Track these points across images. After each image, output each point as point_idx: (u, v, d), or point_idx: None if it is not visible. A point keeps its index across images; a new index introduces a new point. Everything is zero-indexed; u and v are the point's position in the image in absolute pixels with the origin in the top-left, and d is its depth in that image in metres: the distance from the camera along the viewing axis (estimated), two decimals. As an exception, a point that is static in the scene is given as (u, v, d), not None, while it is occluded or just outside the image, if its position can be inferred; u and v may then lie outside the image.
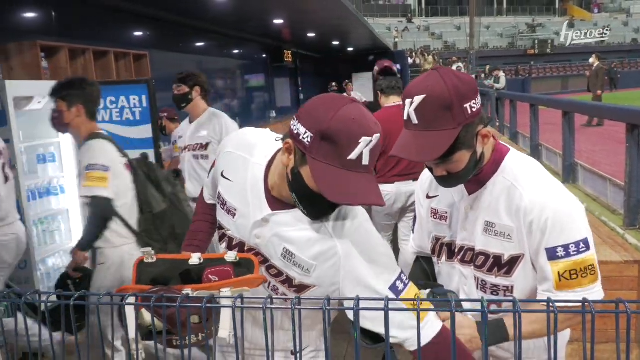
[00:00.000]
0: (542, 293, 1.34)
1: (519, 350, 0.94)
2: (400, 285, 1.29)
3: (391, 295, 1.25)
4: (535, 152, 8.36)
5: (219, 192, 1.45)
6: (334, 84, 8.89)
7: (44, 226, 4.10)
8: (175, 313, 1.00)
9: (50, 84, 4.10)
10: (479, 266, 1.45)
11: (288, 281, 1.35)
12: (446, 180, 1.40)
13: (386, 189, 3.73)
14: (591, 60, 13.36)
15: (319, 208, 1.25)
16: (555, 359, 0.91)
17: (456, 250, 1.50)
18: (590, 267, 1.33)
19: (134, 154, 4.04)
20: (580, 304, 0.92)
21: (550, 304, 0.87)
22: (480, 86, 16.35)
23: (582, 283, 1.32)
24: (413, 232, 1.73)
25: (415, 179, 2.56)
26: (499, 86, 16.49)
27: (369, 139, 1.16)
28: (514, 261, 1.39)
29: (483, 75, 22.32)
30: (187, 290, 1.20)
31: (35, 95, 3.93)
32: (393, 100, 3.83)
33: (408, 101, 1.30)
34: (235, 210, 1.39)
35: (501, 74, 19.54)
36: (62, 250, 4.24)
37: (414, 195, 3.88)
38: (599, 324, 2.83)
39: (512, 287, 1.42)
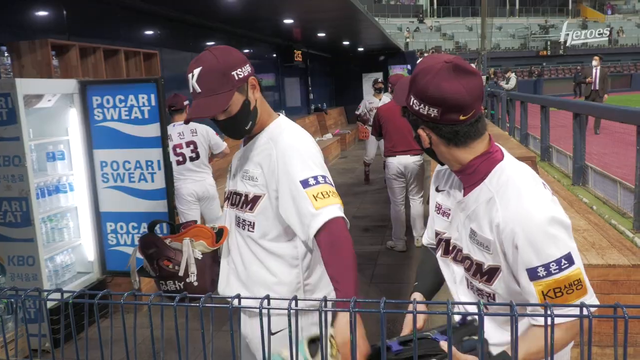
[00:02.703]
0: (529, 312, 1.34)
1: (515, 353, 0.93)
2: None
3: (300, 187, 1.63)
4: (545, 154, 8.30)
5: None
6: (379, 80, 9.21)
7: (53, 223, 4.13)
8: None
9: (60, 82, 4.15)
10: (466, 269, 1.46)
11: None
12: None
13: (391, 161, 5.61)
14: (594, 62, 12.67)
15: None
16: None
17: (450, 248, 1.52)
18: (575, 283, 1.27)
19: (141, 152, 4.09)
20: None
21: (548, 309, 0.86)
22: (491, 87, 16.17)
23: (568, 299, 1.26)
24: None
25: (414, 154, 5.16)
26: (508, 86, 16.38)
27: (190, 74, 1.69)
28: (492, 272, 1.37)
29: (493, 76, 22.17)
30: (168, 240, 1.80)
31: (45, 93, 3.97)
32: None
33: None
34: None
35: (512, 75, 19.42)
36: (70, 247, 4.27)
37: (410, 164, 5.28)
38: (605, 328, 2.81)
39: (493, 294, 1.40)
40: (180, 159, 4.78)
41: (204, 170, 4.90)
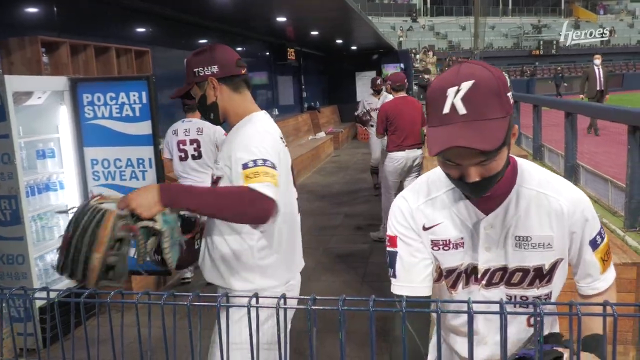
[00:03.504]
0: (588, 285, 1.40)
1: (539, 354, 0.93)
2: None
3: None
4: (537, 152, 8.33)
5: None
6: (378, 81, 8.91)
7: (43, 222, 4.10)
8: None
9: (50, 79, 4.12)
10: (516, 283, 1.38)
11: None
12: (478, 187, 1.24)
13: (399, 155, 5.74)
14: (597, 61, 12.05)
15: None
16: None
17: (479, 275, 1.39)
18: (609, 245, 1.42)
19: (133, 150, 4.06)
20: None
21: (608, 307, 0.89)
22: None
23: (611, 257, 1.42)
24: (394, 277, 1.42)
25: (419, 147, 5.08)
26: None
27: (455, 88, 1.15)
28: (554, 267, 1.38)
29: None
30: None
31: (35, 91, 3.93)
32: (400, 94, 5.94)
33: (452, 90, 1.15)
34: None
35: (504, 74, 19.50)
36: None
37: (418, 158, 5.45)
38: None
39: (550, 292, 1.41)
40: (183, 155, 4.72)
41: (206, 171, 4.82)
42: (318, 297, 0.99)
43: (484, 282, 1.39)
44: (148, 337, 1.10)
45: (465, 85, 1.14)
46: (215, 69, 1.98)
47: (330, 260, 5.63)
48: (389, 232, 1.43)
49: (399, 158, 5.79)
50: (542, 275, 1.36)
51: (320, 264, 5.50)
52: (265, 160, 1.82)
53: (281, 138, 2.05)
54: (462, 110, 1.14)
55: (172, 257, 1.71)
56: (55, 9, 5.19)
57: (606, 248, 1.39)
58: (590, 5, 46.67)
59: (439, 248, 1.39)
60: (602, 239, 1.37)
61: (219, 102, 2.02)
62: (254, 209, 1.76)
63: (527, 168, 1.37)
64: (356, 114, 8.69)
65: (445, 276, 1.42)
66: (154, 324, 1.07)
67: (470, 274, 1.40)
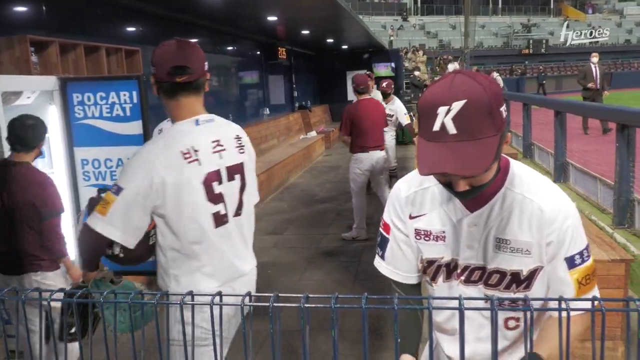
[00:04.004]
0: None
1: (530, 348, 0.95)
2: None
3: None
4: (527, 151, 8.39)
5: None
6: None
7: (33, 222, 4.06)
8: None
9: (39, 79, 4.08)
10: (493, 285, 1.38)
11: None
12: (467, 194, 1.27)
13: (363, 156, 6.03)
14: (594, 59, 11.82)
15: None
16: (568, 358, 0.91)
17: (459, 270, 1.41)
18: (595, 269, 1.36)
19: (123, 150, 4.04)
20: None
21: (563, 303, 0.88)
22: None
23: (593, 285, 1.35)
24: (382, 258, 1.54)
25: (381, 149, 5.81)
26: None
27: (445, 108, 1.13)
28: (532, 275, 1.35)
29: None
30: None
31: (24, 90, 3.90)
32: (364, 97, 6.12)
33: (442, 109, 1.13)
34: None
35: (496, 76, 19.56)
36: (51, 246, 4.21)
37: (381, 159, 5.72)
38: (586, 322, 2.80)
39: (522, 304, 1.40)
40: None
41: None
42: (311, 296, 1.00)
43: (462, 278, 1.41)
44: (142, 337, 1.11)
45: (457, 106, 1.13)
46: (153, 69, 1.94)
47: (322, 259, 5.63)
48: (385, 218, 1.51)
49: (363, 159, 6.06)
50: (519, 280, 1.35)
51: (312, 263, 5.51)
52: (117, 187, 1.86)
53: (212, 149, 1.98)
54: (452, 130, 1.13)
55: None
56: (44, 8, 5.15)
57: (587, 272, 1.32)
58: (579, 4, 46.99)
59: (421, 237, 1.44)
60: (584, 261, 1.32)
61: (163, 103, 2.01)
62: (83, 245, 1.94)
63: (518, 171, 1.36)
64: None
65: (427, 267, 1.45)
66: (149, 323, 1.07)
67: (452, 268, 1.42)
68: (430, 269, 1.45)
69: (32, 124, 3.07)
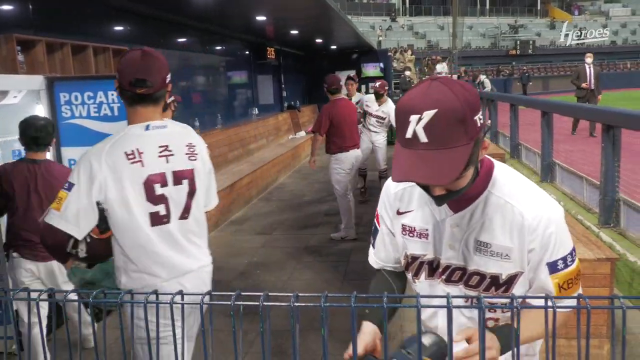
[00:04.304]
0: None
1: (517, 347, 0.96)
2: None
3: None
4: (514, 151, 8.46)
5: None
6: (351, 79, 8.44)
7: (19, 222, 4.03)
8: None
9: (26, 78, 4.05)
10: (473, 286, 1.39)
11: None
12: (443, 199, 1.29)
13: (343, 156, 6.12)
14: (588, 60, 11.56)
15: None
16: (553, 358, 0.92)
17: (441, 269, 1.43)
18: (579, 274, 1.37)
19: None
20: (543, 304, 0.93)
21: (549, 301, 0.89)
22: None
23: (576, 289, 1.36)
24: (372, 247, 1.63)
25: (358, 147, 6.00)
26: (486, 92, 16.72)
27: (417, 116, 1.14)
28: (512, 279, 1.35)
29: (463, 75, 22.45)
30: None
31: (11, 90, 3.87)
32: (336, 96, 6.23)
33: (414, 117, 1.14)
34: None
35: (484, 78, 19.67)
36: (38, 246, 4.18)
37: (359, 158, 5.86)
38: (572, 320, 2.86)
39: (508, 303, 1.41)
40: None
41: None
42: (301, 295, 1.01)
43: (444, 277, 1.43)
44: (131, 337, 1.11)
45: (427, 115, 1.13)
46: (117, 76, 2.09)
47: (311, 259, 5.64)
48: (378, 209, 1.58)
49: (344, 159, 6.15)
50: (498, 284, 1.36)
51: (301, 263, 5.51)
52: (68, 184, 2.00)
53: (158, 153, 2.09)
54: (423, 138, 1.14)
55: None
56: (30, 6, 5.10)
57: (570, 277, 1.33)
58: (565, 5, 47.46)
59: (406, 233, 1.48)
60: (567, 266, 1.32)
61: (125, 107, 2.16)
62: (46, 241, 2.01)
63: (501, 175, 1.36)
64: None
65: (410, 263, 1.48)
66: (138, 323, 1.07)
67: (434, 267, 1.44)
68: (414, 265, 1.48)
69: (43, 124, 3.30)
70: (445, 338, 1.10)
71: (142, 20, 7.23)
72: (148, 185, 2.04)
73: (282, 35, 12.47)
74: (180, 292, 1.06)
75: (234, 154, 9.38)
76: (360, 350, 1.35)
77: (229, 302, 0.99)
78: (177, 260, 2.14)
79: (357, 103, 7.74)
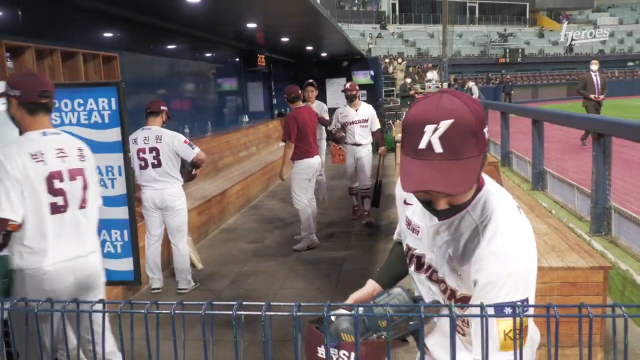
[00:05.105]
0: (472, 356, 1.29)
1: (486, 355, 0.96)
2: None
3: None
4: (505, 159, 8.52)
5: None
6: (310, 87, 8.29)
7: (7, 231, 3.99)
8: None
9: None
10: (442, 291, 1.44)
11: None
12: (445, 212, 1.29)
13: (307, 163, 6.16)
14: (594, 67, 11.18)
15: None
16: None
17: (425, 266, 1.49)
18: (528, 332, 1.22)
19: (101, 157, 4.00)
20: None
21: (517, 309, 0.89)
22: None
23: (523, 344, 1.13)
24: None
25: (317, 154, 6.13)
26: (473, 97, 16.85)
27: (433, 126, 1.15)
28: (466, 300, 1.36)
29: (454, 83, 22.61)
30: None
31: (-1, 96, 3.84)
32: (297, 104, 6.31)
33: (430, 127, 1.15)
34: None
35: (472, 85, 19.84)
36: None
37: (319, 163, 6.06)
38: (565, 329, 2.90)
39: (468, 321, 1.40)
40: (143, 163, 4.79)
41: (167, 180, 4.88)
42: (303, 304, 1.01)
43: (427, 274, 1.49)
44: (130, 348, 1.10)
45: (444, 125, 1.15)
46: (17, 92, 2.56)
47: (302, 268, 5.63)
48: (396, 191, 1.65)
49: (310, 165, 6.21)
50: (455, 298, 1.39)
51: (292, 271, 5.51)
52: None
53: (55, 154, 2.63)
54: (438, 149, 1.15)
55: None
56: (20, 12, 5.07)
57: (516, 328, 1.11)
58: (554, 14, 48.06)
59: (407, 224, 1.55)
60: (516, 315, 1.11)
61: (17, 118, 2.63)
62: None
63: (486, 196, 1.35)
64: (329, 129, 7.29)
65: (406, 252, 1.56)
66: (135, 334, 1.06)
67: (421, 263, 1.50)
68: (408, 254, 1.55)
69: None
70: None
71: (132, 27, 7.21)
72: (49, 180, 2.57)
73: (272, 43, 12.50)
74: (181, 302, 1.05)
75: (224, 161, 9.36)
76: (349, 301, 1.53)
77: (231, 312, 1.00)
78: (69, 245, 2.62)
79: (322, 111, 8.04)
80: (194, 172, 5.10)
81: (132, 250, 4.10)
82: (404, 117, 1.32)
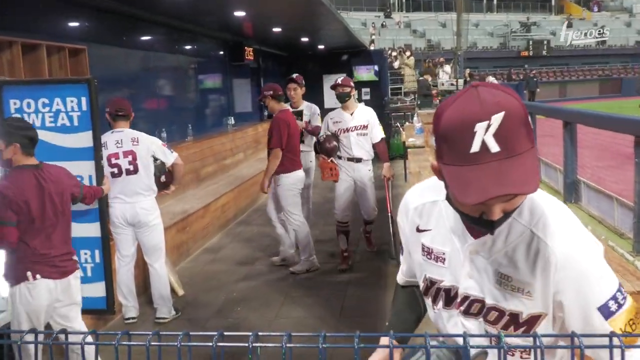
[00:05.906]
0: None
1: None
2: None
3: None
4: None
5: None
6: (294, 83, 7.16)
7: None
8: None
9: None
10: (492, 322, 1.41)
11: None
12: (500, 223, 1.27)
13: (297, 176, 6.13)
14: None
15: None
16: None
17: (459, 299, 1.45)
18: (637, 310, 1.32)
19: (70, 165, 4.00)
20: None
21: (576, 339, 0.90)
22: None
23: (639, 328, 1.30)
24: (401, 254, 1.73)
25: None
26: None
27: (485, 123, 1.15)
28: (534, 320, 1.36)
29: (469, 79, 22.71)
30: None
31: (-49, 96, 3.84)
32: (283, 107, 6.27)
33: (481, 125, 1.15)
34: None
35: (492, 80, 20.03)
36: None
37: (304, 178, 6.43)
38: None
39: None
40: (116, 170, 4.73)
41: (141, 191, 4.83)
42: (294, 334, 0.99)
43: (462, 308, 1.45)
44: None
45: (496, 119, 1.14)
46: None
47: (301, 294, 5.62)
48: (398, 220, 1.64)
49: (299, 179, 6.19)
50: (517, 322, 1.37)
51: (289, 298, 5.50)
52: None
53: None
54: (494, 148, 1.14)
55: None
56: (-27, -1, 5.09)
57: (629, 317, 1.29)
58: (584, 1, 48.40)
59: (425, 254, 1.52)
60: (620, 305, 1.29)
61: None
62: None
63: (529, 200, 1.35)
64: (319, 137, 6.49)
65: (429, 287, 1.52)
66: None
67: (452, 296, 1.47)
68: (432, 289, 1.52)
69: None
70: None
71: (102, 16, 7.23)
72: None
73: (262, 34, 12.54)
74: (157, 332, 1.04)
75: (208, 170, 9.37)
76: None
77: (211, 344, 0.98)
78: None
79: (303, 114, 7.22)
80: (171, 188, 5.11)
81: (104, 274, 4.09)
82: (435, 123, 1.32)
